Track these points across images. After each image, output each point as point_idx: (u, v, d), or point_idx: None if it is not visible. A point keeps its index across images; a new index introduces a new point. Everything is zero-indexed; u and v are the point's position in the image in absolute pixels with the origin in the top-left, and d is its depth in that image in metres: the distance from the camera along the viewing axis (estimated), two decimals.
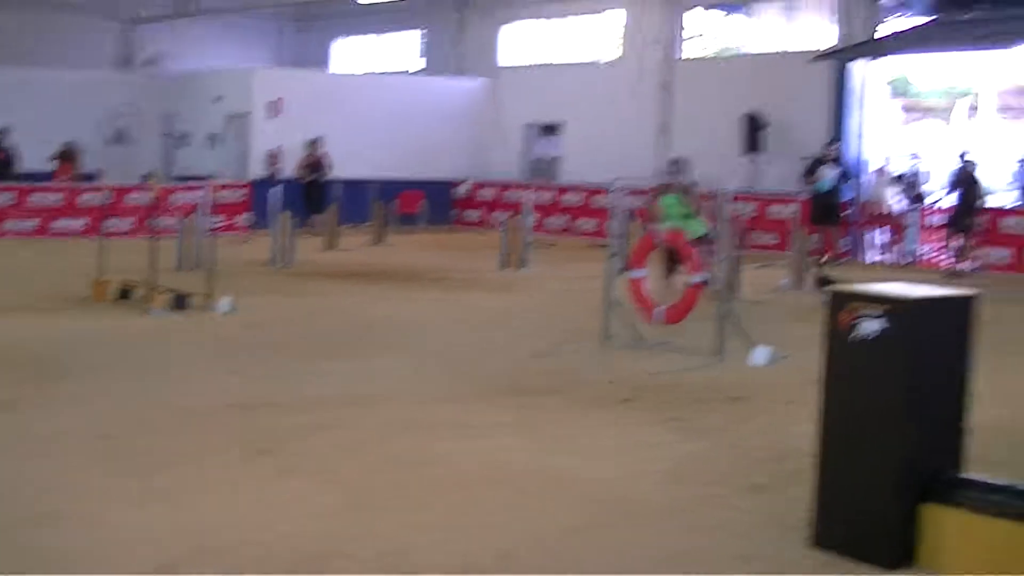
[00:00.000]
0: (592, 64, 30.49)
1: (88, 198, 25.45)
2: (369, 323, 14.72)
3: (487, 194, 30.70)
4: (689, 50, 28.77)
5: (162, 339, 13.24)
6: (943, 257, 22.57)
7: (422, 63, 34.66)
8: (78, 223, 25.34)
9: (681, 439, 9.20)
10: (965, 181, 21.49)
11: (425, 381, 11.20)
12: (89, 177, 27.95)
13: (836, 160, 22.79)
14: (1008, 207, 23.11)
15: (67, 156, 27.86)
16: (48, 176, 27.24)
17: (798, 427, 9.33)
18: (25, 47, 32.20)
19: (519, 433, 9.27)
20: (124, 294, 15.79)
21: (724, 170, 20.27)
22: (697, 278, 12.61)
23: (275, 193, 21.39)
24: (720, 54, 28.86)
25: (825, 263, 21.26)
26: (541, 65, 31.51)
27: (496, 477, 8.05)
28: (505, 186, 30.28)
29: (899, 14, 24.93)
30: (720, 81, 27.35)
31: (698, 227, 14.78)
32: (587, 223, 27.84)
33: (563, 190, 29.00)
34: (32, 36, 32.74)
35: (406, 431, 9.27)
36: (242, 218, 27.01)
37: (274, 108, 29.06)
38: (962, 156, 21.82)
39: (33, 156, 27.11)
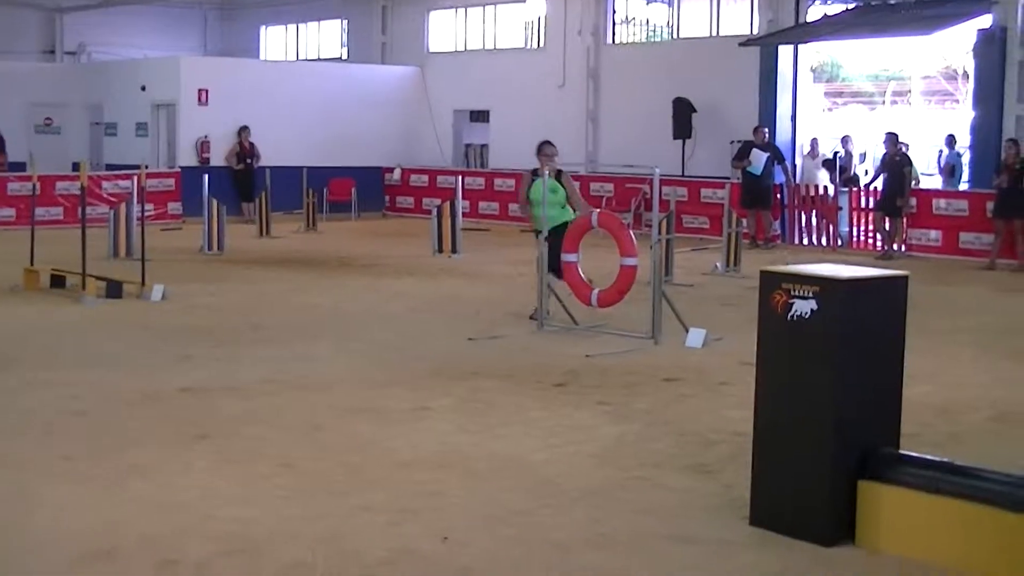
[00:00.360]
0: (520, 50, 30.55)
1: (16, 187, 25.18)
2: (304, 310, 14.71)
3: (419, 181, 30.68)
4: (617, 36, 28.89)
5: (97, 327, 13.17)
6: (874, 239, 22.82)
7: (344, 52, 34.58)
8: (7, 212, 25.07)
9: (615, 421, 9.27)
10: (894, 164, 21.74)
11: (362, 367, 11.22)
12: (17, 167, 27.65)
13: (767, 144, 23.04)
14: (938, 189, 23.40)
15: None
16: None
17: (732, 410, 9.47)
18: None
19: (455, 417, 9.31)
20: (57, 283, 15.69)
21: (655, 155, 20.41)
22: (630, 261, 12.68)
23: (205, 181, 21.26)
24: (649, 39, 29.01)
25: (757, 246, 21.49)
26: (469, 52, 31.52)
27: (434, 461, 8.09)
28: (436, 172, 30.27)
29: (826, 0, 25.20)
30: (649, 67, 27.48)
31: (563, 214, 13.84)
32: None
33: (494, 175, 29.02)
34: None
35: (345, 416, 9.29)
36: (172, 206, 26.84)
37: (202, 97, 28.86)
38: (889, 139, 22.06)
39: None
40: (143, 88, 29.70)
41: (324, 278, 17.83)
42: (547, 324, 13.15)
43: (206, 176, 21.63)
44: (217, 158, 28.15)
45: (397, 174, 30.94)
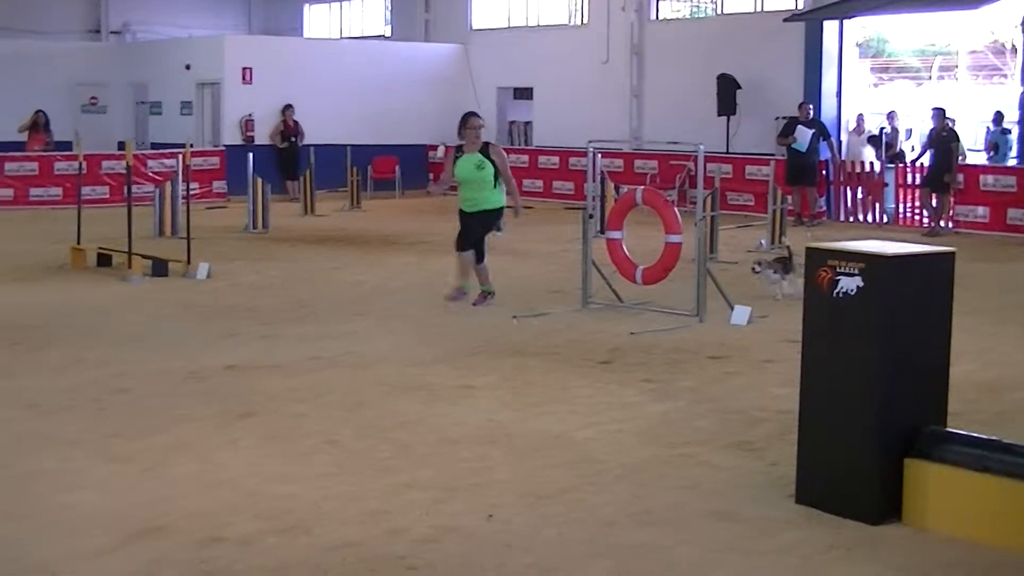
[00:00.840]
0: (563, 27, 30.45)
1: (63, 166, 25.34)
2: (348, 287, 14.74)
3: None
4: (661, 12, 28.75)
5: (143, 306, 13.25)
6: (920, 216, 22.65)
7: (388, 30, 34.55)
8: (54, 191, 25.25)
9: (659, 399, 9.26)
10: (941, 140, 21.56)
11: (406, 344, 11.24)
12: (63, 146, 27.81)
13: (811, 120, 22.88)
14: (985, 165, 23.18)
15: (37, 125, 27.70)
16: (19, 146, 27.09)
17: (777, 387, 9.44)
18: None
19: (499, 395, 9.32)
20: (103, 262, 15.80)
21: (699, 132, 20.30)
22: (675, 238, 12.64)
23: (249, 160, 21.33)
24: (692, 15, 28.86)
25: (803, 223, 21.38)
26: (512, 29, 31.44)
27: (478, 438, 8.10)
28: None
29: None
30: (693, 43, 27.33)
31: (494, 197, 13.14)
32: (563, 186, 27.83)
33: (539, 152, 28.96)
34: (1, 5, 32.52)
35: (389, 393, 9.31)
36: (217, 185, 26.95)
37: (246, 76, 28.93)
38: (937, 115, 21.88)
39: (3, 126, 26.95)
40: (187, 67, 29.80)
41: (368, 256, 17.85)
42: (591, 301, 13.11)
43: (251, 155, 21.70)
44: (261, 136, 28.21)
45: (441, 151, 30.89)
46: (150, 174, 24.39)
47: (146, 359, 10.45)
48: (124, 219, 15.38)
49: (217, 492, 6.91)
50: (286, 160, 27.70)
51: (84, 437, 8.04)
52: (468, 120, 13.30)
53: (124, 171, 17.24)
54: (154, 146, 28.82)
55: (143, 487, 7.03)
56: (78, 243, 16.27)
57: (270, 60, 29.11)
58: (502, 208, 13.30)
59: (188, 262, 15.22)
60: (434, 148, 30.82)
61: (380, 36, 34.55)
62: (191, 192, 18.04)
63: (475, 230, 13.09)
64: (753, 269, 14.03)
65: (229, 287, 14.55)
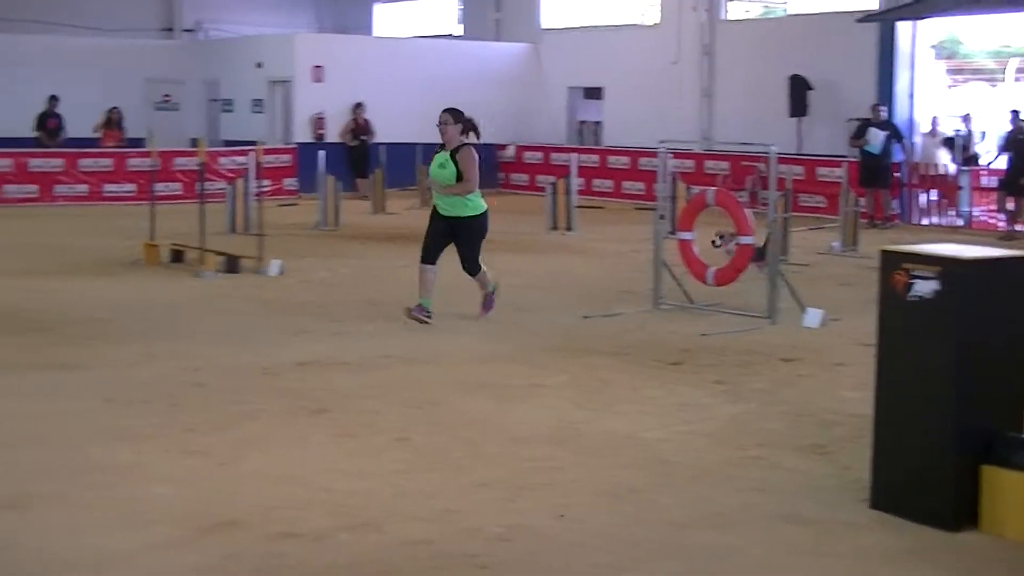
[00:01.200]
0: (634, 27, 30.36)
1: (136, 163, 25.59)
2: (413, 283, 14.74)
3: (532, 158, 30.64)
4: (732, 12, 28.61)
5: (215, 301, 13.36)
6: (996, 219, 22.39)
7: (460, 29, 34.57)
8: (128, 188, 25.51)
9: (731, 401, 9.21)
10: (1018, 142, 21.31)
11: (477, 342, 11.25)
12: (136, 143, 28.09)
13: (884, 122, 22.68)
14: None
15: (112, 122, 27.99)
16: (93, 142, 27.40)
17: (849, 391, 9.37)
18: (69, 15, 32.33)
19: (570, 394, 9.31)
20: (176, 257, 15.94)
21: (770, 133, 20.17)
22: (746, 240, 12.57)
23: (320, 158, 21.44)
24: (764, 15, 28.69)
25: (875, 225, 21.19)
26: (583, 28, 31.38)
27: (550, 437, 8.09)
28: (550, 149, 30.21)
29: None
30: (764, 43, 27.17)
31: (470, 204, 12.18)
32: (634, 186, 27.75)
33: (609, 153, 28.90)
34: (76, 3, 32.86)
35: (460, 391, 9.33)
36: (288, 182, 27.11)
37: (316, 74, 29.07)
38: (1014, 117, 21.62)
39: (78, 123, 27.25)
40: (259, 65, 30.00)
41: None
42: (662, 302, 13.06)
43: (322, 153, 21.80)
44: (332, 135, 28.34)
45: (511, 151, 30.96)
46: (222, 171, 24.56)
47: (219, 354, 10.53)
48: (196, 215, 15.50)
49: (289, 488, 6.95)
50: (356, 158, 27.81)
51: (158, 431, 8.11)
52: (441, 116, 12.47)
53: (197, 168, 17.40)
54: (226, 143, 29.04)
55: (216, 481, 7.08)
56: (151, 239, 16.41)
57: (341, 58, 29.25)
58: (479, 216, 12.24)
59: (260, 259, 15.32)
60: (503, 147, 30.85)
61: (449, 35, 34.57)
62: (263, 189, 18.16)
63: (440, 240, 12.21)
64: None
65: (300, 284, 14.64)
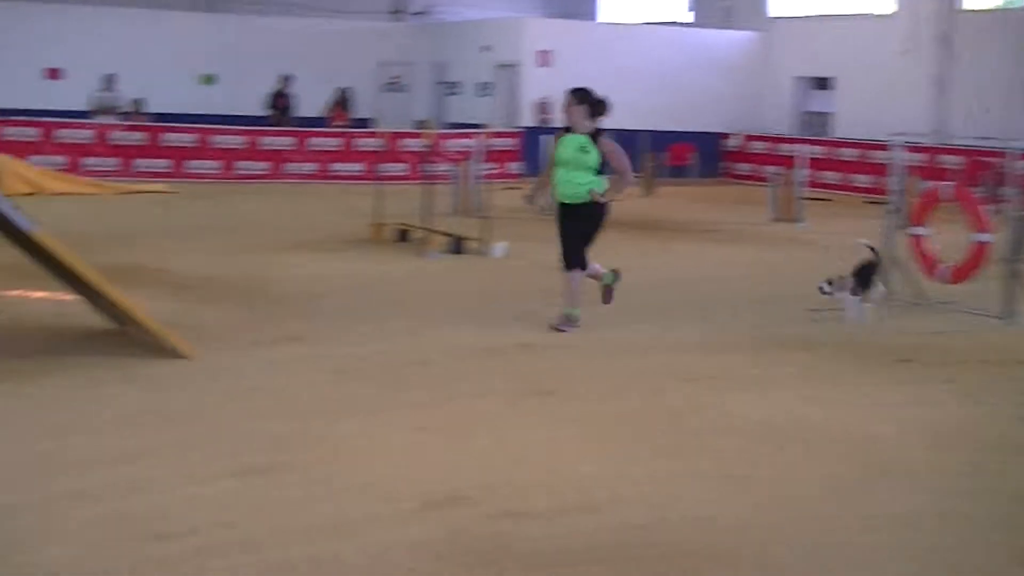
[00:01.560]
0: (867, 16, 29.69)
1: (364, 143, 26.06)
2: (642, 272, 14.67)
3: (758, 147, 30.24)
4: (971, 1, 27.76)
5: (440, 281, 13.51)
6: None
7: (690, 16, 34.27)
8: (355, 167, 26.00)
9: (961, 401, 8.92)
10: None
11: (699, 332, 11.13)
12: (364, 123, 28.62)
13: None
14: None
15: (341, 103, 28.55)
16: (323, 122, 27.99)
17: None
18: None
19: (796, 387, 9.14)
20: (402, 237, 16.17)
21: (1009, 127, 19.55)
22: (984, 237, 12.17)
23: (545, 142, 21.48)
24: (1005, 6, 27.78)
25: None
26: (813, 17, 30.83)
27: (776, 429, 7.96)
28: (777, 139, 29.78)
29: None
30: (1004, 34, 26.31)
31: (589, 180, 10.99)
32: (863, 179, 27.17)
33: (838, 144, 28.36)
34: None
35: (683, 380, 9.24)
36: (513, 166, 27.28)
37: (543, 59, 29.18)
38: None
39: (310, 103, 27.87)
40: (487, 49, 30.23)
41: (662, 242, 17.79)
42: (894, 298, 12.71)
43: (547, 137, 21.83)
44: (557, 119, 28.38)
45: (736, 140, 30.63)
46: (448, 153, 24.82)
47: (444, 333, 10.63)
48: (422, 196, 15.69)
49: (514, 468, 6.96)
50: None
51: (385, 406, 8.22)
52: (568, 96, 11.25)
53: (423, 149, 17.61)
54: (452, 126, 29.36)
55: (443, 457, 7.14)
56: (378, 218, 16.67)
57: (568, 43, 29.31)
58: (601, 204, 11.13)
59: (484, 240, 15.43)
60: (729, 136, 30.54)
61: (674, 23, 34.32)
62: (488, 172, 18.27)
63: (576, 234, 11.16)
64: (821, 289, 12.00)
65: (524, 266, 14.69)
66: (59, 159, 24.45)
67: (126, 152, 25.42)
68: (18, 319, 10.61)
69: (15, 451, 6.98)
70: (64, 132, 25.10)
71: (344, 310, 11.65)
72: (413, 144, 25.38)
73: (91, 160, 24.91)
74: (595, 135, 11.04)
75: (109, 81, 26.74)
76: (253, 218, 19.26)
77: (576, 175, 11.03)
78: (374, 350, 9.91)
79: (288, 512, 6.12)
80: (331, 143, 26.60)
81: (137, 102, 26.97)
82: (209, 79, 30.39)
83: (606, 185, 11.08)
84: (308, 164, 26.24)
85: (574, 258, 11.11)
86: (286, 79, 27.84)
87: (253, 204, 21.32)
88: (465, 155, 21.21)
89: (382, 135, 20.07)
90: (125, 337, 9.62)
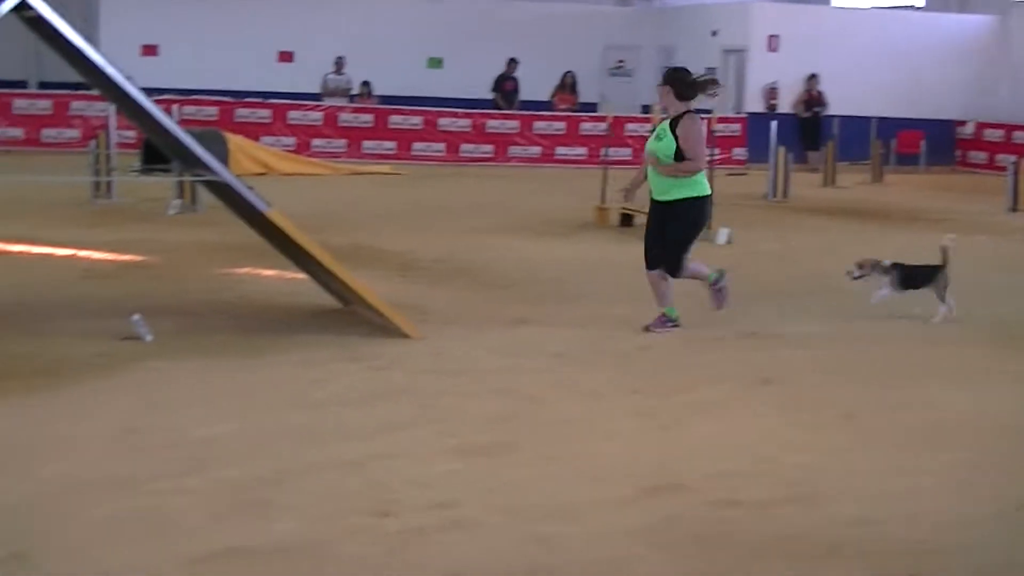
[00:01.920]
0: None
1: (589, 127, 26.10)
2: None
3: (994, 135, 29.31)
4: None
5: None
6: None
7: (921, 0, 33.40)
8: (579, 151, 26.07)
9: None
10: None
11: (923, 324, 10.79)
12: (589, 107, 28.66)
13: None
14: None
15: (566, 86, 28.63)
16: (548, 106, 28.11)
17: None
18: None
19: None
20: (626, 221, 16.15)
21: None
22: None
23: (772, 128, 21.22)
24: None
25: None
26: None
27: (997, 428, 7.70)
28: (1013, 127, 28.80)
29: None
30: None
31: (675, 185, 9.89)
32: None
33: None
34: None
35: (910, 373, 9.04)
36: (737, 152, 27.02)
37: (772, 44, 28.81)
38: None
39: (535, 86, 28.02)
40: (714, 33, 29.98)
41: (890, 230, 17.40)
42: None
43: (773, 123, 21.56)
44: (784, 105, 28.04)
45: (970, 128, 29.76)
46: None
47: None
48: (646, 181, 15.60)
49: (734, 456, 6.90)
50: (808, 130, 27.45)
51: (607, 389, 8.24)
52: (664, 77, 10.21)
53: (648, 134, 17.52)
54: None
55: (662, 444, 7.13)
56: (602, 202, 16.68)
57: (797, 28, 28.85)
58: (697, 200, 9.99)
59: (708, 227, 15.27)
60: (963, 124, 29.70)
61: (909, 7, 33.50)
62: (713, 158, 18.09)
63: (660, 238, 10.08)
64: (851, 274, 11.00)
65: (747, 254, 14.53)
66: (289, 140, 25.09)
67: (354, 134, 25.96)
68: (248, 296, 10.93)
69: (244, 425, 7.18)
70: (295, 114, 25.74)
71: (568, 294, 11.72)
72: (638, 129, 25.34)
73: (319, 141, 25.52)
74: (675, 120, 9.87)
75: (339, 64, 27.35)
76: (477, 201, 19.46)
77: (655, 174, 10.01)
78: (596, 334, 9.93)
79: (510, 493, 6.17)
80: (556, 127, 26.73)
81: (366, 85, 27.49)
82: (436, 62, 30.78)
83: (662, 164, 9.89)
84: (533, 148, 26.42)
85: (651, 258, 10.10)
86: (512, 63, 28.05)
87: (477, 187, 21.57)
88: None
89: (607, 119, 20.03)
90: (352, 316, 9.81)
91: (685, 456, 6.87)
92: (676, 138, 9.76)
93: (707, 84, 10.08)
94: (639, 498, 6.18)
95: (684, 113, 9.83)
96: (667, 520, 5.90)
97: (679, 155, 9.76)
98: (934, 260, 10.87)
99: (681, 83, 9.91)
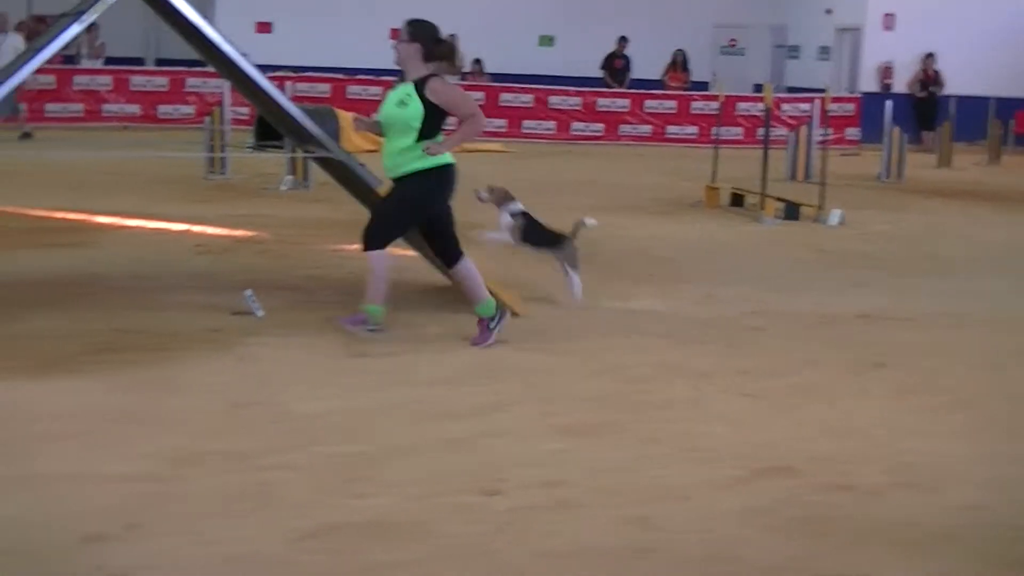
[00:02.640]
0: None
1: (700, 106, 25.92)
2: (984, 244, 14.17)
3: None
4: None
5: (773, 247, 13.35)
6: None
7: None
8: (690, 130, 25.90)
9: None
10: None
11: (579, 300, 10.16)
12: (701, 86, 28.47)
13: None
14: None
15: (676, 64, 28.47)
16: (658, 84, 27.97)
17: None
18: None
19: None
20: (736, 201, 16.03)
21: None
22: None
23: (887, 108, 20.93)
24: None
25: None
26: None
27: None
28: None
29: None
30: None
31: (409, 146, 8.29)
32: None
33: None
34: None
35: (1018, 358, 8.85)
36: (850, 132, 26.69)
37: (887, 22, 28.40)
38: None
39: (646, 64, 27.88)
40: (829, 11, 29.60)
41: (1006, 213, 17.08)
42: None
43: (888, 103, 21.26)
44: (899, 85, 27.64)
45: None
46: (784, 118, 24.46)
47: (776, 300, 10.49)
48: (756, 161, 15.51)
49: (845, 440, 6.81)
50: (923, 110, 27.10)
51: (715, 370, 8.16)
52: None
53: (759, 113, 17.42)
54: (789, 90, 28.88)
55: (771, 426, 7.04)
56: (712, 182, 16.57)
57: (914, 6, 28.42)
58: (431, 172, 8.38)
59: (820, 207, 15.13)
60: None
61: None
62: (825, 138, 17.92)
63: (388, 210, 8.55)
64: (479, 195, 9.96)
65: (859, 235, 14.37)
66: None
67: None
68: (358, 273, 10.92)
69: (349, 402, 7.22)
70: None
71: (676, 273, 11.64)
72: (749, 108, 25.14)
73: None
74: (421, 84, 8.26)
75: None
76: (586, 179, 19.42)
77: (394, 140, 8.36)
78: (706, 314, 9.87)
79: (616, 473, 6.14)
80: (667, 105, 26.58)
81: (477, 62, 27.52)
82: (548, 40, 30.73)
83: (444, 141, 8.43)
84: (643, 126, 26.32)
85: (374, 234, 8.44)
86: (623, 40, 27.94)
87: (586, 165, 21.52)
88: (801, 120, 20.87)
89: (718, 98, 19.90)
90: (460, 294, 9.80)
91: (794, 439, 6.78)
92: (424, 104, 8.22)
93: (453, 50, 8.53)
94: (746, 480, 6.11)
95: (430, 76, 8.27)
96: (774, 503, 5.82)
97: (428, 123, 8.22)
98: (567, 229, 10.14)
99: (433, 41, 8.33)
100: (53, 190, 15.20)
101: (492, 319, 8.52)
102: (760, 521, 5.58)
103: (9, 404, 6.85)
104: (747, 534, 5.44)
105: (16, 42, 21.42)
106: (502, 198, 9.94)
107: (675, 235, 13.91)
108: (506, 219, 9.83)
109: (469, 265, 8.58)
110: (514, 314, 9.17)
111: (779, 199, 15.37)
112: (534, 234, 9.91)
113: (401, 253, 10.79)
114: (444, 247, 8.65)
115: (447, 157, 8.37)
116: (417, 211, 8.44)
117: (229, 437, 6.46)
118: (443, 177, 8.43)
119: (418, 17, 8.43)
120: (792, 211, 15.15)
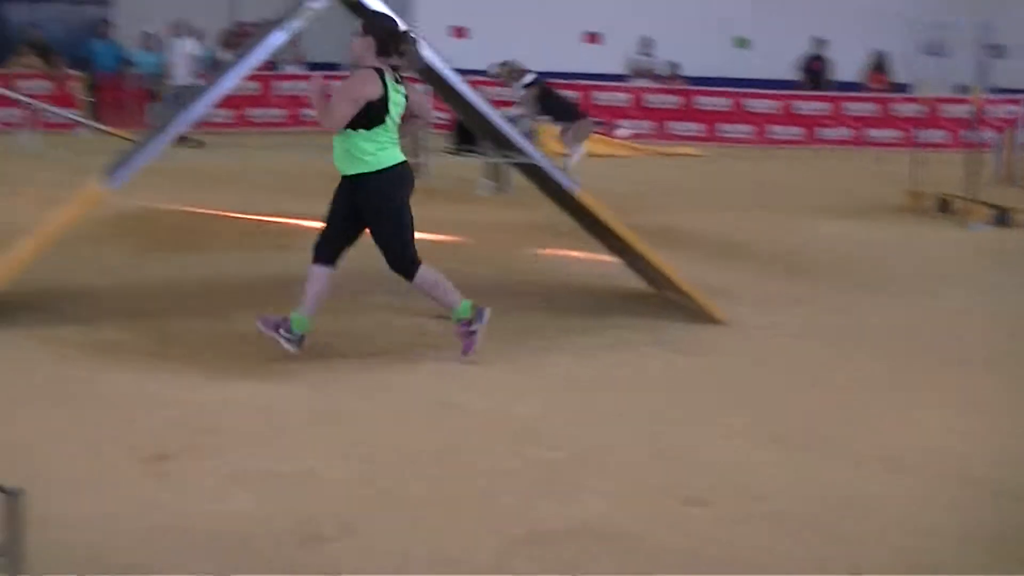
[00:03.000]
0: None
1: (901, 108, 25.41)
2: None
3: None
4: None
5: (983, 255, 13.00)
6: None
7: None
8: (892, 133, 25.40)
9: None
10: None
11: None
12: (902, 87, 27.90)
13: None
14: None
15: (878, 66, 27.92)
16: (859, 86, 27.49)
17: None
18: None
19: None
20: (942, 206, 15.64)
21: None
22: None
23: None
24: None
25: None
26: None
27: None
28: None
29: None
30: None
31: (347, 157, 7.89)
32: None
33: None
34: None
35: None
36: None
37: None
38: None
39: (846, 66, 27.42)
40: None
41: None
42: None
43: None
44: None
45: None
46: (991, 120, 23.82)
47: (978, 308, 10.28)
48: (960, 164, 15.14)
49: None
50: None
51: (917, 381, 7.99)
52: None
53: (966, 116, 16.98)
54: (997, 91, 28.10)
55: (975, 437, 6.85)
56: (916, 186, 16.22)
57: None
58: (380, 173, 7.83)
59: None
60: None
61: None
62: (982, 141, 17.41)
63: (340, 220, 8.03)
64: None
65: None
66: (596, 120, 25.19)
67: (660, 115, 25.90)
68: (559, 278, 10.98)
69: (552, 406, 7.23)
70: (601, 95, 25.83)
71: (880, 280, 11.35)
72: (953, 110, 24.55)
73: (626, 122, 25.50)
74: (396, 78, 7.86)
75: (646, 45, 27.29)
76: (784, 182, 19.20)
77: (345, 137, 7.87)
78: (910, 322, 9.66)
79: (821, 487, 6.02)
80: (867, 108, 26.13)
81: (673, 66, 27.37)
82: (743, 42, 30.42)
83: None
84: (843, 129, 25.88)
85: (324, 245, 8.05)
86: (820, 43, 27.52)
87: (785, 169, 21.26)
88: (1010, 122, 20.30)
89: (922, 100, 19.47)
90: (663, 300, 9.76)
91: (1005, 449, 6.60)
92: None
93: (408, 41, 7.82)
94: (949, 493, 5.97)
95: (372, 68, 7.75)
96: (979, 516, 5.69)
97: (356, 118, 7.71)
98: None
99: (388, 35, 7.80)
100: (265, 193, 15.53)
101: (471, 320, 8.05)
102: (964, 534, 5.48)
103: (220, 403, 7.03)
104: (955, 547, 5.31)
105: (191, 47, 21.92)
106: (512, 73, 9.57)
107: (879, 239, 13.66)
108: (520, 92, 9.42)
109: (430, 272, 8.04)
110: (716, 321, 9.11)
111: (988, 204, 14.96)
112: (551, 103, 9.53)
113: (602, 259, 10.78)
114: (342, 246, 8.06)
115: (395, 156, 7.86)
116: (402, 208, 7.92)
117: (438, 438, 6.53)
118: (399, 177, 7.92)
119: (378, 9, 8.12)
120: (1002, 217, 14.70)
